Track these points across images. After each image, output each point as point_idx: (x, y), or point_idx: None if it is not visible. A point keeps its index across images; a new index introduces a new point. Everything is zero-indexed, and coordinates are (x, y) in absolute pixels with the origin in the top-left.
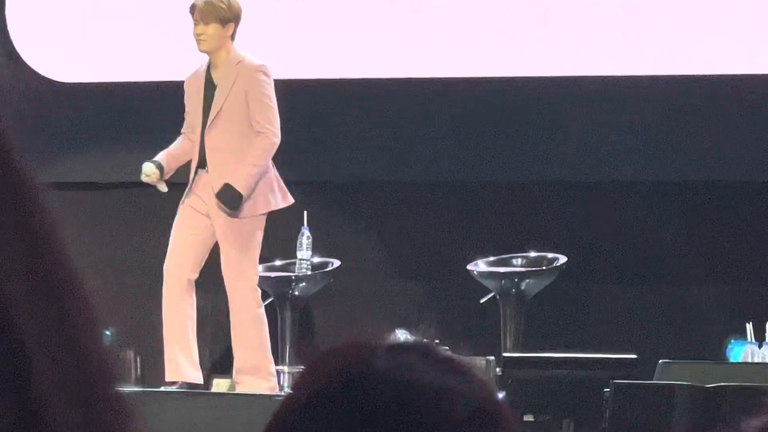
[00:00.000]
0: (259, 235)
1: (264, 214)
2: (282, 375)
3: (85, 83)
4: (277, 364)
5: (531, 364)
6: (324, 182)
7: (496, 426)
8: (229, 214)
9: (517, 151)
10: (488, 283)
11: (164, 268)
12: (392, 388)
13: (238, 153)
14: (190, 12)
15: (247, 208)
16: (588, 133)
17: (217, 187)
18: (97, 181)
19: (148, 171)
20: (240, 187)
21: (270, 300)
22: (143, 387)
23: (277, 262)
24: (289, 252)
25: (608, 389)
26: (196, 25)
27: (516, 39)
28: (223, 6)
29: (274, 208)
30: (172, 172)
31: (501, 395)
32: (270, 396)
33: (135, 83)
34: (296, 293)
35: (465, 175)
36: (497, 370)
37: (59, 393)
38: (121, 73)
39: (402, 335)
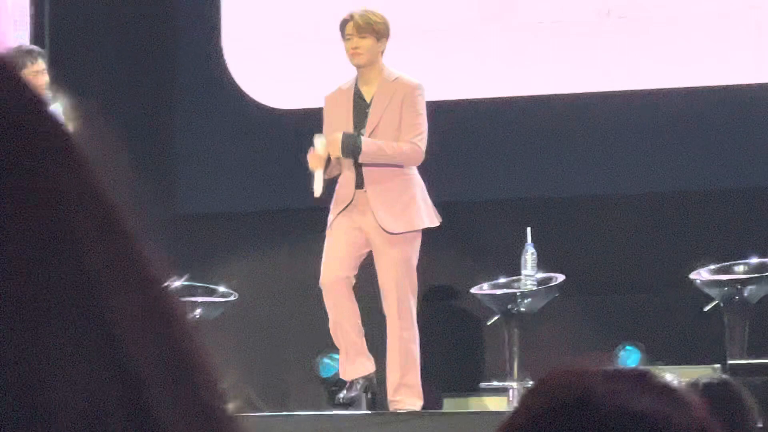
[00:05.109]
0: (415, 253)
1: (418, 232)
2: (511, 391)
3: (300, 109)
4: (504, 380)
5: (757, 371)
6: (547, 198)
7: None
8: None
9: (735, 157)
10: (711, 292)
11: (323, 272)
12: (608, 416)
13: (394, 169)
14: (341, 28)
15: (402, 224)
16: None
17: (377, 206)
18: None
19: (321, 144)
20: (365, 145)
21: (496, 317)
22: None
23: (502, 279)
24: (514, 269)
25: None
26: (349, 39)
27: (729, 47)
28: (379, 21)
29: (425, 226)
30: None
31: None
32: (501, 413)
33: None
34: (522, 309)
35: (684, 185)
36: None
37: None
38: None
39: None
